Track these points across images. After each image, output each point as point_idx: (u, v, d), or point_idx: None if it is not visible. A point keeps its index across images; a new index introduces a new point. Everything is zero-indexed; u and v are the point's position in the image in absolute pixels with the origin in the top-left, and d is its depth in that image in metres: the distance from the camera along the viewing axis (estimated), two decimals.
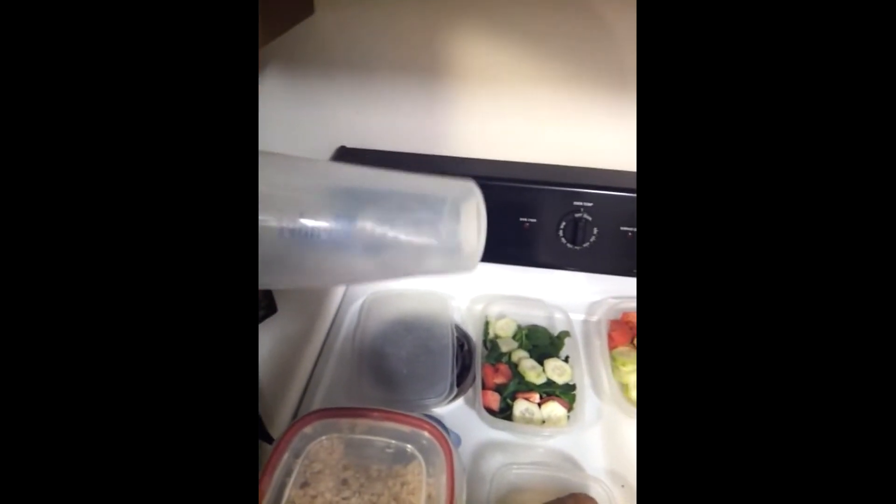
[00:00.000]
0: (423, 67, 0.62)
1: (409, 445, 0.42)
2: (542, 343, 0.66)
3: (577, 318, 0.71)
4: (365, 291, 0.75)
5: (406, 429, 0.43)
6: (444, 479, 0.40)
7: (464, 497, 0.40)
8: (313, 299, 0.71)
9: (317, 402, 0.62)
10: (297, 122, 0.68)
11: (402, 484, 0.43)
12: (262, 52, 0.63)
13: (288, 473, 0.41)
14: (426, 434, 0.42)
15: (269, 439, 0.48)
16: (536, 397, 0.60)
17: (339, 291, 0.75)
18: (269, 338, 0.66)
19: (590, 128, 0.64)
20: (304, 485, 0.40)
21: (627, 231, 0.63)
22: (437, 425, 0.43)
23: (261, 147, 0.27)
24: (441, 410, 0.61)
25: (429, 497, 0.41)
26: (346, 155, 0.68)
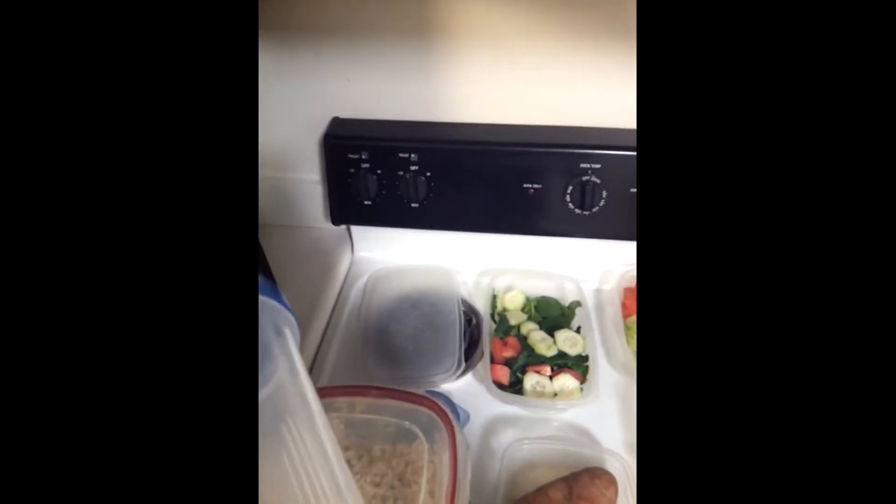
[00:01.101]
0: (416, 29, 0.58)
1: (408, 423, 0.40)
2: (553, 314, 0.64)
3: (589, 287, 0.68)
4: (369, 268, 0.73)
5: (406, 406, 0.41)
6: (446, 456, 0.38)
7: (468, 474, 0.38)
8: (316, 277, 0.70)
9: (322, 382, 0.60)
10: (288, 94, 0.65)
11: (406, 463, 0.41)
12: None
13: None
14: (426, 410, 0.40)
15: None
16: (548, 370, 0.57)
17: (343, 269, 0.73)
18: None
19: (595, 85, 0.60)
20: None
21: None
22: (441, 401, 0.41)
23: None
24: (449, 386, 0.59)
25: (432, 475, 0.39)
26: (340, 126, 0.65)
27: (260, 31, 0.61)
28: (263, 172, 0.73)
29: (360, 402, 0.42)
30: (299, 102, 0.66)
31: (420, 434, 0.39)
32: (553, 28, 0.56)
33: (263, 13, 0.59)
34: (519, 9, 0.56)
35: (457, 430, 0.38)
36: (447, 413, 0.39)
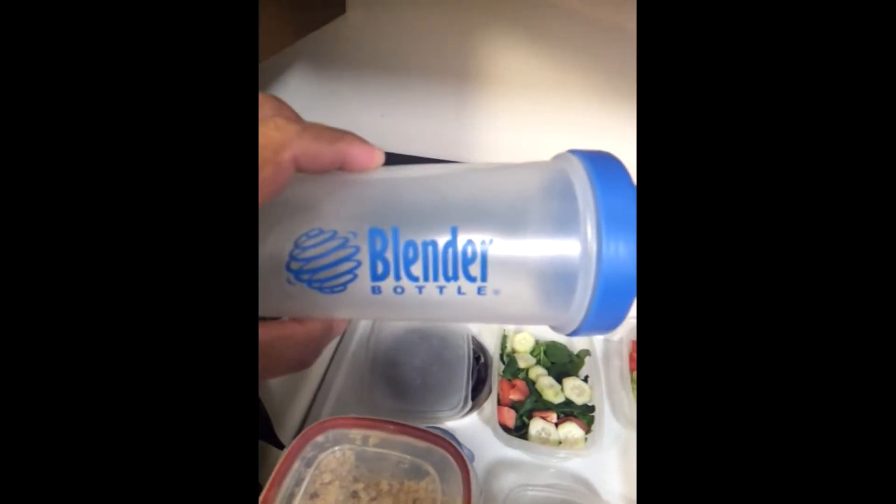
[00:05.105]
0: (454, 71, 0.61)
1: (424, 462, 0.40)
2: (561, 361, 0.64)
3: (598, 336, 0.69)
4: None
5: (421, 444, 0.41)
6: (459, 500, 0.38)
7: None
8: None
9: (327, 409, 0.60)
10: (322, 122, 0.67)
11: (414, 500, 0.41)
12: (290, 50, 0.63)
13: (298, 483, 0.39)
14: (442, 451, 0.40)
15: (280, 445, 0.47)
16: (554, 417, 0.58)
17: None
18: None
19: (629, 142, 0.62)
20: (314, 496, 0.39)
21: None
22: (454, 442, 0.42)
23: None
24: (454, 424, 0.59)
25: None
26: None
27: (301, 59, 0.63)
28: None
29: (375, 435, 0.42)
30: None
31: (433, 473, 0.40)
32: (590, 86, 0.59)
33: (308, 42, 0.61)
34: (558, 64, 0.58)
35: (472, 473, 0.38)
36: (463, 456, 0.39)
